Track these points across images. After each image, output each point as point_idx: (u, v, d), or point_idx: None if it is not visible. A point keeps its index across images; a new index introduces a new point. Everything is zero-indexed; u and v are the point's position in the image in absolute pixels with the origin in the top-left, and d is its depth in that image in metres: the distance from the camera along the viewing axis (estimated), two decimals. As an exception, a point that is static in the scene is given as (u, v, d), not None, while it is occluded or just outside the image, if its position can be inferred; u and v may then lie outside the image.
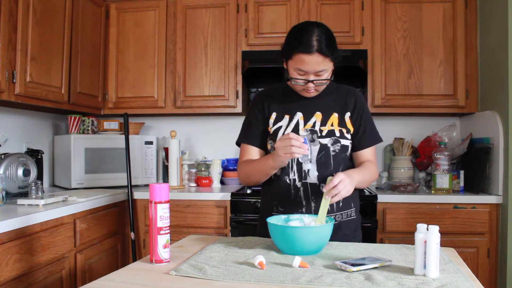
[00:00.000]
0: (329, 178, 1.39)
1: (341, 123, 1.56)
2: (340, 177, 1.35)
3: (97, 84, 2.95)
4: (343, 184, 1.34)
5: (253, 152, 1.62)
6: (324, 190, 1.37)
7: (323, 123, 1.55)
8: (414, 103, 2.80)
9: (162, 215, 1.23)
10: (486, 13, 2.68)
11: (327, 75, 1.48)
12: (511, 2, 2.35)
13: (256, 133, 1.63)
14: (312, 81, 1.46)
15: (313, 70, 1.44)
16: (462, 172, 2.66)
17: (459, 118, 3.09)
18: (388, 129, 3.10)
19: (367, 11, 2.83)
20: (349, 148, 1.57)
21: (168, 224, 1.24)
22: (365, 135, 1.58)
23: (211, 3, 2.96)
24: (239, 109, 2.94)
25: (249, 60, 2.81)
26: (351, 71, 2.75)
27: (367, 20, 2.82)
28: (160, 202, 1.23)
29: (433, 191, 2.61)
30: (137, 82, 3.02)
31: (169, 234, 1.24)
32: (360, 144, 1.58)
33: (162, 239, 1.23)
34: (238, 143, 1.67)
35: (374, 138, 1.61)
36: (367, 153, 1.60)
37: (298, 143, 1.32)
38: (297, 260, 1.16)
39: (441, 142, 2.74)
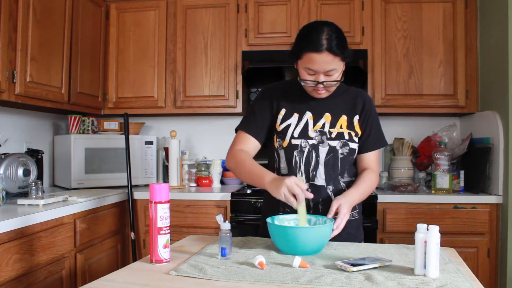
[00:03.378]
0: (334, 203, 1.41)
1: (350, 125, 1.55)
2: (344, 212, 1.39)
3: (97, 84, 2.95)
4: (346, 218, 1.40)
5: (249, 142, 1.58)
6: (329, 216, 1.40)
7: (332, 125, 1.54)
8: (414, 103, 2.80)
9: (162, 215, 1.23)
10: (486, 13, 2.68)
11: (337, 75, 1.45)
12: (511, 2, 2.35)
13: (258, 125, 1.59)
14: (322, 83, 1.44)
15: (323, 70, 1.42)
16: (462, 172, 2.66)
17: (459, 118, 3.09)
18: (388, 129, 3.08)
19: (367, 11, 2.83)
20: (356, 152, 1.57)
21: (168, 224, 1.25)
22: (369, 138, 1.58)
23: (211, 3, 2.96)
24: (239, 109, 2.94)
25: (249, 60, 2.81)
26: (351, 71, 2.74)
27: (367, 20, 2.82)
28: (160, 202, 1.23)
29: (433, 191, 2.61)
30: (137, 82, 3.02)
31: (169, 234, 1.24)
32: (364, 147, 1.58)
33: (162, 239, 1.23)
34: (237, 130, 1.63)
35: (378, 142, 1.60)
36: (370, 158, 1.59)
37: (301, 196, 1.33)
38: (297, 260, 1.17)
39: (441, 142, 2.74)
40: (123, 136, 2.76)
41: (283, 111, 1.58)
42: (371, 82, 2.82)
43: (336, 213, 1.40)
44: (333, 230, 1.36)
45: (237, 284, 1.05)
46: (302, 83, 1.48)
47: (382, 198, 2.49)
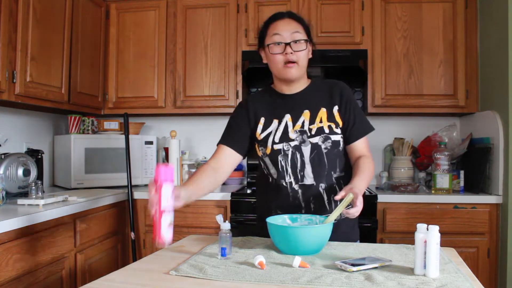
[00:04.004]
0: (350, 195, 1.33)
1: (330, 117, 1.54)
2: (360, 199, 1.31)
3: (97, 84, 2.95)
4: (361, 206, 1.32)
5: (224, 154, 1.60)
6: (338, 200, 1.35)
7: (312, 121, 1.54)
8: (414, 103, 2.80)
9: (166, 196, 1.24)
10: (486, 13, 2.68)
11: (304, 45, 1.51)
12: (511, 2, 2.35)
13: (235, 136, 1.62)
14: (289, 44, 1.49)
15: (288, 32, 1.50)
16: (462, 172, 2.66)
17: (459, 118, 3.09)
18: (388, 129, 3.10)
19: (367, 11, 2.83)
20: (341, 143, 1.55)
21: (172, 204, 1.26)
22: (355, 127, 1.55)
23: (211, 3, 2.96)
24: (239, 109, 2.93)
25: (249, 60, 2.81)
26: (351, 71, 2.75)
27: (367, 20, 2.82)
28: (166, 181, 1.24)
29: (433, 191, 2.61)
30: (137, 82, 3.02)
31: (172, 214, 1.26)
32: (351, 137, 1.56)
33: (166, 219, 1.23)
34: (219, 143, 1.64)
35: (364, 128, 1.57)
36: (360, 146, 1.57)
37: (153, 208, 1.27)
38: (297, 260, 1.17)
39: (441, 142, 2.74)
40: (123, 136, 2.76)
41: (262, 120, 1.59)
42: (371, 82, 2.82)
43: (341, 200, 1.36)
44: (350, 207, 1.32)
45: (237, 284, 1.05)
46: (271, 52, 1.52)
47: (382, 198, 2.49)
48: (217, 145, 1.64)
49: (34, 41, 2.24)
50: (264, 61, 1.59)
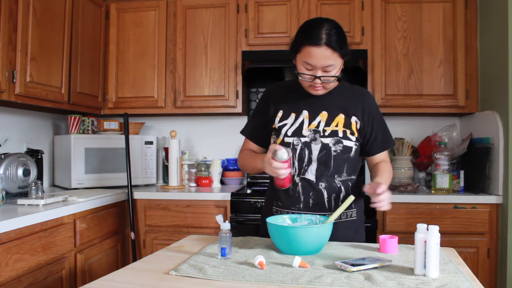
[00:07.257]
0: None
1: (347, 124, 1.54)
2: (383, 188, 1.35)
3: (97, 84, 2.95)
4: (387, 195, 1.36)
5: (252, 146, 1.70)
6: (365, 190, 1.39)
7: (328, 123, 1.53)
8: (414, 103, 2.80)
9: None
10: (486, 13, 2.68)
11: (335, 71, 1.45)
12: (511, 2, 2.35)
13: (257, 129, 1.68)
14: (319, 77, 1.44)
15: (321, 65, 1.42)
16: (462, 172, 2.66)
17: (459, 118, 3.09)
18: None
19: (367, 11, 2.83)
20: (353, 150, 1.54)
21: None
22: (376, 141, 1.58)
23: (211, 3, 2.96)
24: (239, 109, 2.94)
25: (249, 60, 2.81)
26: (351, 71, 2.75)
27: (367, 20, 2.82)
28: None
29: (433, 191, 2.61)
30: (137, 82, 3.02)
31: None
32: (372, 150, 1.60)
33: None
34: (242, 133, 1.73)
35: (385, 144, 1.62)
36: (380, 157, 1.62)
37: (283, 170, 1.38)
38: (297, 260, 1.17)
39: (441, 142, 2.74)
40: (123, 136, 2.76)
41: (280, 113, 1.60)
42: (371, 82, 2.82)
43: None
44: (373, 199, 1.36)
45: (237, 284, 1.05)
46: (300, 78, 1.49)
47: (382, 198, 2.48)
48: (241, 133, 1.72)
49: (34, 41, 2.24)
50: (294, 62, 1.54)
